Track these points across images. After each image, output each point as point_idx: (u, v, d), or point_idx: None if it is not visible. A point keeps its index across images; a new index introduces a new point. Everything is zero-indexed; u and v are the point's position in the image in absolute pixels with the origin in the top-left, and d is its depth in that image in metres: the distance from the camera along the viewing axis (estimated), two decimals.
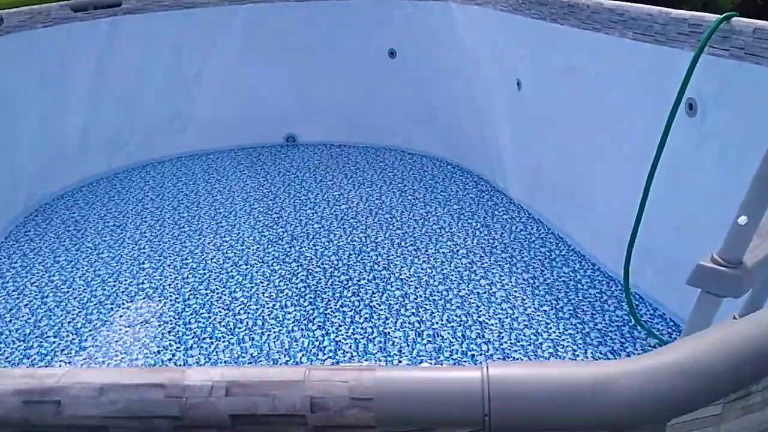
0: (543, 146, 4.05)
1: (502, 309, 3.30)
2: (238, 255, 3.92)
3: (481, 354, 3.01)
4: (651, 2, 3.20)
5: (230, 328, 3.24)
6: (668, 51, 2.93)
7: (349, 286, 3.55)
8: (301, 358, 3.03)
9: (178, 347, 3.12)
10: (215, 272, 3.74)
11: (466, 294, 3.43)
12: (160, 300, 3.51)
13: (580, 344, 3.02)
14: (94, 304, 3.49)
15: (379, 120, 5.46)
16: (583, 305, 3.30)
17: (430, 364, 2.95)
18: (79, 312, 3.43)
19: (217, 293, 3.54)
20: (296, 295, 3.48)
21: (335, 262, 3.79)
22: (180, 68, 5.28)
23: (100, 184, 5.05)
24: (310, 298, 3.46)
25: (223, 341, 3.15)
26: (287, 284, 3.59)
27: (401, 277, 3.61)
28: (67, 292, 3.61)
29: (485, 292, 3.44)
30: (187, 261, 3.88)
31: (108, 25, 4.90)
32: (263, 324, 3.26)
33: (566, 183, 3.89)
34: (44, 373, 0.82)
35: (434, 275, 3.62)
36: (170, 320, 3.33)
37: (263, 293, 3.52)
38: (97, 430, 0.82)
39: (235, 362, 3.02)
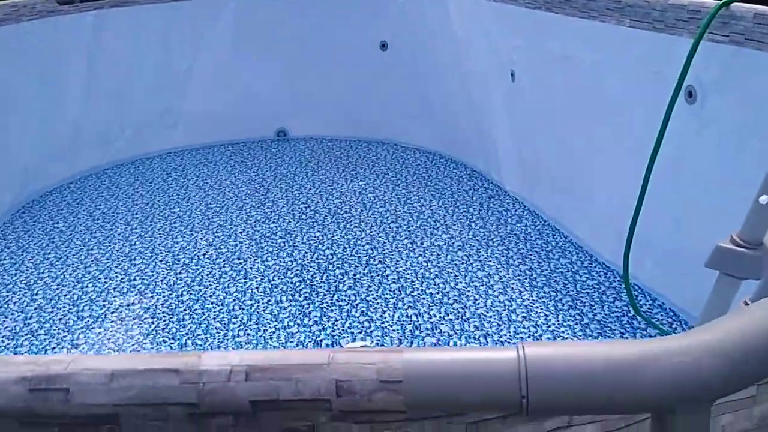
0: (538, 137, 4.02)
1: (500, 301, 3.27)
2: (231, 250, 3.87)
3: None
4: None
5: (224, 324, 3.19)
6: (667, 38, 2.90)
7: (345, 280, 3.50)
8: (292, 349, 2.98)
9: (172, 344, 3.07)
10: (208, 267, 3.69)
11: (464, 287, 3.40)
12: (152, 296, 3.45)
13: (580, 335, 2.99)
14: (85, 301, 3.42)
15: (371, 113, 5.41)
16: (582, 296, 3.27)
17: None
18: (70, 309, 3.36)
19: (211, 289, 3.48)
20: (291, 290, 3.44)
21: (330, 256, 3.74)
22: (170, 62, 5.21)
23: (89, 180, 4.97)
24: (306, 292, 3.41)
25: (218, 337, 3.10)
26: (282, 279, 3.54)
27: (397, 270, 3.57)
28: (57, 289, 3.54)
29: (483, 285, 3.41)
30: (179, 257, 3.82)
31: (94, 18, 4.82)
32: (258, 319, 3.21)
33: (563, 174, 3.86)
34: (50, 359, 0.77)
35: (430, 268, 3.58)
36: (163, 316, 3.27)
37: (257, 288, 3.47)
38: (108, 419, 0.77)
39: None
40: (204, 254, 3.83)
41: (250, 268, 3.66)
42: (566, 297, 3.27)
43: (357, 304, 3.29)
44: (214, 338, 3.09)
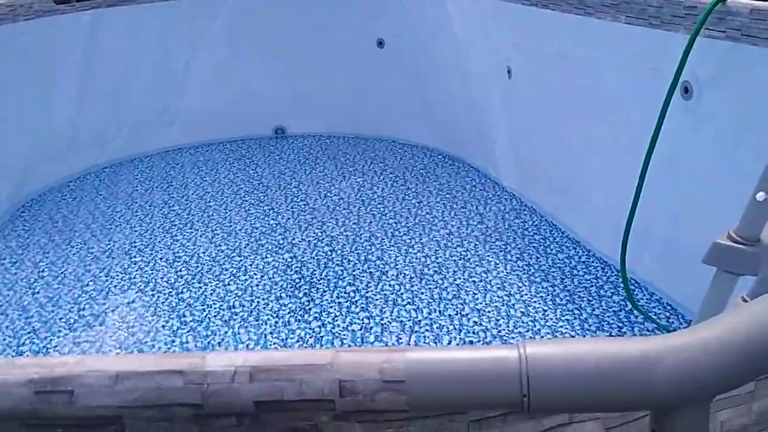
0: (536, 133, 4.03)
1: (498, 297, 3.28)
2: (231, 247, 3.87)
3: (479, 342, 2.99)
4: None
5: (225, 321, 3.20)
6: (663, 34, 2.91)
7: (344, 277, 3.51)
8: (295, 349, 2.99)
9: (173, 341, 3.08)
10: (208, 265, 3.69)
11: (462, 282, 3.41)
12: (153, 294, 3.45)
13: (578, 330, 3.01)
14: (86, 300, 3.43)
15: (369, 110, 5.41)
16: (580, 291, 3.28)
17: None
18: (72, 308, 3.37)
19: (211, 286, 3.49)
20: (291, 287, 3.45)
21: (329, 253, 3.75)
22: (168, 60, 5.20)
23: (87, 178, 4.98)
24: (305, 289, 3.42)
25: (219, 334, 3.11)
26: (281, 276, 3.55)
27: (396, 266, 3.58)
28: (58, 287, 3.55)
29: (481, 280, 3.42)
30: (179, 254, 3.82)
31: (91, 17, 4.81)
32: (259, 316, 3.22)
33: (560, 170, 3.87)
34: (55, 361, 0.78)
35: (429, 264, 3.59)
36: (164, 314, 3.28)
37: (257, 285, 3.47)
38: (112, 421, 0.78)
39: None
40: (204, 252, 3.83)
41: (250, 265, 3.67)
42: (564, 292, 3.28)
43: (356, 301, 3.30)
44: (215, 335, 3.10)
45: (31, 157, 4.67)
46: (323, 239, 3.91)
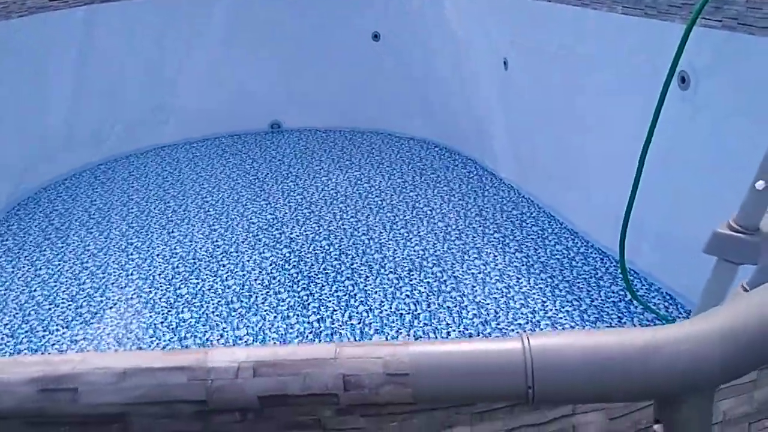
0: (533, 125, 4.02)
1: (497, 288, 3.28)
2: (228, 243, 3.87)
3: (479, 334, 2.99)
4: None
5: (224, 317, 3.19)
6: (659, 24, 2.91)
7: (343, 271, 3.51)
8: (298, 344, 2.99)
9: (172, 337, 3.08)
10: (205, 261, 3.69)
11: (461, 275, 3.41)
12: (150, 290, 3.45)
13: (578, 320, 3.01)
14: (84, 297, 3.42)
15: (365, 103, 5.40)
16: (579, 282, 3.29)
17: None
18: (69, 305, 3.36)
19: (209, 282, 3.49)
20: (289, 281, 3.44)
21: (327, 247, 3.75)
22: (163, 57, 5.18)
23: (83, 176, 4.96)
24: (304, 283, 3.42)
25: (218, 330, 3.10)
26: (280, 271, 3.55)
27: (395, 259, 3.58)
28: (55, 285, 3.54)
29: (480, 273, 3.42)
30: (176, 250, 3.82)
31: (85, 14, 4.79)
32: (257, 311, 3.22)
33: (557, 161, 3.87)
34: (59, 359, 0.78)
35: (427, 257, 3.59)
36: (162, 310, 3.27)
37: (255, 280, 3.47)
38: (117, 418, 0.78)
39: None
40: (201, 247, 3.83)
41: (248, 260, 3.67)
42: (563, 283, 3.29)
43: (355, 294, 3.30)
44: (214, 331, 3.09)
45: (27, 154, 4.64)
46: (321, 233, 3.91)
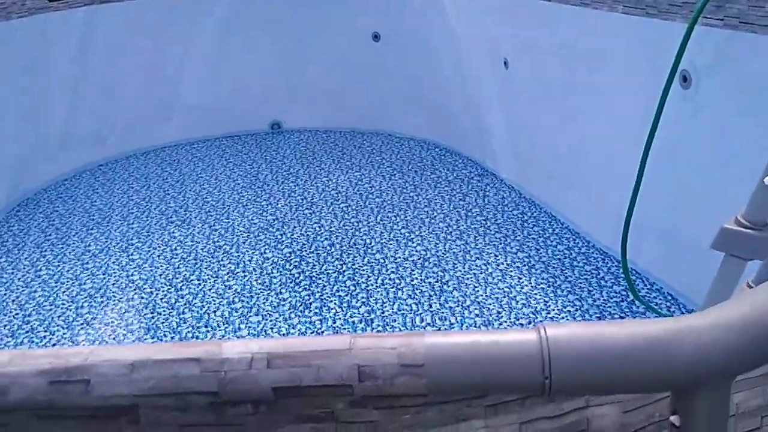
0: (534, 125, 4.02)
1: (499, 288, 3.28)
2: (229, 243, 3.86)
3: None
4: None
5: (225, 317, 3.19)
6: (660, 23, 2.90)
7: (344, 271, 3.51)
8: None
9: (173, 337, 3.07)
10: (206, 261, 3.68)
11: (462, 275, 3.41)
12: (151, 291, 3.44)
13: (580, 321, 3.00)
14: (84, 298, 3.41)
15: (365, 104, 5.40)
16: (580, 282, 3.29)
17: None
18: (69, 306, 3.35)
19: (210, 282, 3.48)
20: (291, 282, 3.44)
21: (328, 248, 3.74)
22: (162, 56, 5.17)
23: (83, 176, 4.95)
24: (305, 284, 3.41)
25: (219, 330, 3.10)
26: (281, 271, 3.54)
27: (396, 260, 3.58)
28: (56, 286, 3.53)
29: (481, 273, 3.42)
30: (177, 251, 3.81)
31: (84, 14, 4.78)
32: (258, 311, 3.21)
33: (558, 161, 3.87)
34: (70, 351, 0.77)
35: (429, 257, 3.58)
36: (163, 311, 3.27)
37: (257, 280, 3.46)
38: (128, 410, 0.77)
39: None
40: (202, 248, 3.82)
41: (249, 260, 3.66)
42: (565, 283, 3.28)
43: (357, 294, 3.29)
44: (216, 331, 3.08)
45: (27, 155, 4.64)
46: (322, 233, 3.90)
